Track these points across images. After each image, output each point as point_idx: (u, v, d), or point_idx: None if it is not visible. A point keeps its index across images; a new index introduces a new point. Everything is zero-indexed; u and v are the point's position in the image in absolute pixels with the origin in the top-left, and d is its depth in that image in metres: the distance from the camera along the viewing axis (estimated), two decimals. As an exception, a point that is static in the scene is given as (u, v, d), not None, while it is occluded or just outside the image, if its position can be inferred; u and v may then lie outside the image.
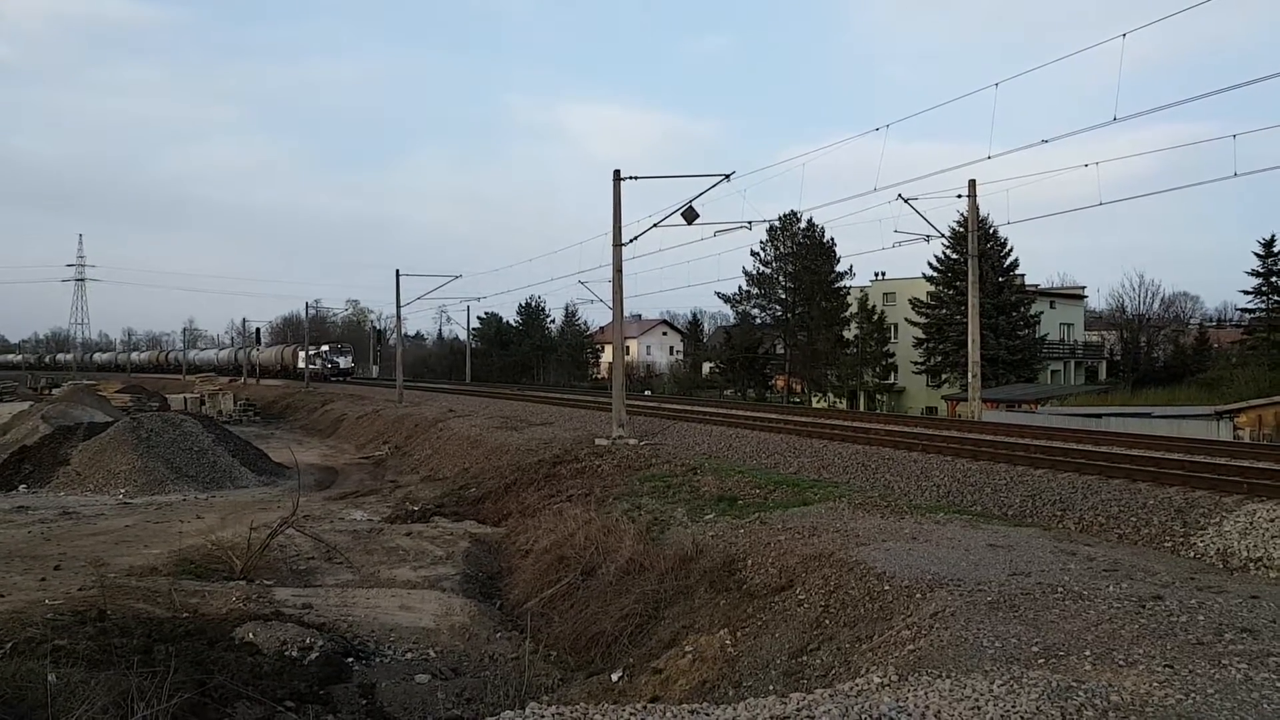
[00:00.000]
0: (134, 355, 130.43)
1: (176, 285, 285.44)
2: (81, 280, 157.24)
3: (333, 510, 23.61)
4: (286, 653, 11.29)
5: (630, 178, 26.74)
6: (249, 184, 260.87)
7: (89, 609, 12.13)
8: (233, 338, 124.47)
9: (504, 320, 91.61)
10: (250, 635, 11.56)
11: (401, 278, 54.36)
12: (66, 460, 29.00)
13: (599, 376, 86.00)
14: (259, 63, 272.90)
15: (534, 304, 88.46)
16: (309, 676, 10.71)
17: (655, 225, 27.11)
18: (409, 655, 12.45)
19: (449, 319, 71.19)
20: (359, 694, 10.67)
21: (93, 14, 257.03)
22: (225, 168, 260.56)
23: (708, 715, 5.99)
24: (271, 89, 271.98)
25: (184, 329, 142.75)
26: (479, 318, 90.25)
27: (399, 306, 55.49)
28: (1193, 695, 6.29)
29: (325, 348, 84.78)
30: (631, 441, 25.80)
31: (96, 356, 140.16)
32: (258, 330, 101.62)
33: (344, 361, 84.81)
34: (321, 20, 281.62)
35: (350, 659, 11.87)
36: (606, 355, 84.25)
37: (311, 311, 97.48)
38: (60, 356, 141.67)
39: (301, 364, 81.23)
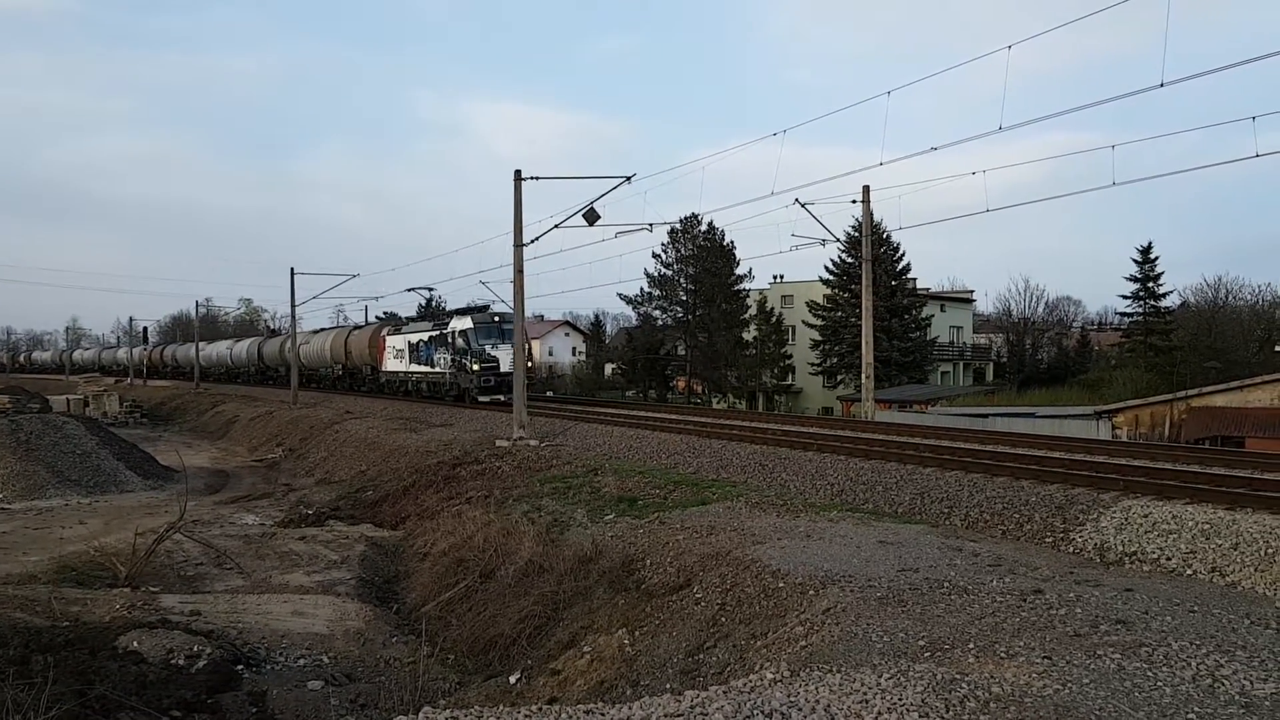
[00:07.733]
0: (119, 353, 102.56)
1: (59, 283, 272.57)
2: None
3: (223, 515, 23.01)
4: (173, 661, 10.97)
5: (532, 178, 26.67)
6: (140, 178, 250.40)
7: (-40, 620, 11.62)
8: (118, 337, 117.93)
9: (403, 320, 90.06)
10: (134, 644, 11.21)
11: (297, 276, 52.53)
12: (-64, 464, 27.64)
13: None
14: (155, 53, 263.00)
15: (434, 304, 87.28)
16: (196, 685, 10.43)
17: (557, 226, 27.02)
18: (301, 662, 12.22)
19: (346, 318, 66.88)
20: (249, 702, 10.42)
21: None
22: (116, 161, 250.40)
23: (604, 715, 6.01)
24: (167, 80, 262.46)
25: (67, 328, 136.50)
26: (378, 317, 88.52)
27: (294, 305, 53.96)
28: (1069, 685, 6.57)
29: (466, 326, 38.68)
30: (533, 443, 25.72)
31: (76, 355, 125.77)
32: (145, 329, 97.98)
33: (506, 358, 36.04)
34: (220, 11, 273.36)
35: (240, 666, 11.60)
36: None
37: (202, 310, 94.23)
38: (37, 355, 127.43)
39: (392, 365, 46.13)
